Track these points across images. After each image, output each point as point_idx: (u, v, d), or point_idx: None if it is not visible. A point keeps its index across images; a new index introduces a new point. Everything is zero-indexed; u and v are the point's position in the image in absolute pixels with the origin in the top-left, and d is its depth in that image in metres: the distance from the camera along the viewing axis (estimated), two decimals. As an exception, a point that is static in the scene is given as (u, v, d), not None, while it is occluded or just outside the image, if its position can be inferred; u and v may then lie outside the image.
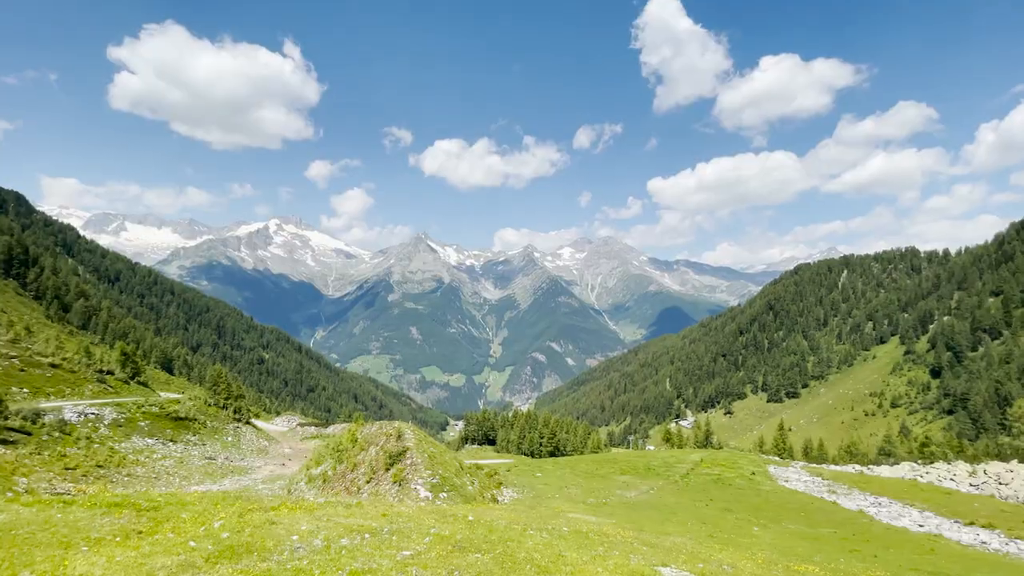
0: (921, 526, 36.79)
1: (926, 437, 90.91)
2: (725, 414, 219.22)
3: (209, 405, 59.18)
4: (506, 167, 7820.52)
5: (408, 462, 32.32)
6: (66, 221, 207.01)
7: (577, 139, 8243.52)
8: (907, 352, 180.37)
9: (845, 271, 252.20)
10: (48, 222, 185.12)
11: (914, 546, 31.25)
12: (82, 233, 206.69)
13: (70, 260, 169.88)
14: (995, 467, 53.26)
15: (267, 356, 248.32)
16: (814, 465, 66.98)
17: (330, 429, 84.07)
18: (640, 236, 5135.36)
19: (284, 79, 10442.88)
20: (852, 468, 64.39)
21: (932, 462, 64.69)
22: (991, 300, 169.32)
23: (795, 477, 53.89)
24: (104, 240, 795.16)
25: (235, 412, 61.42)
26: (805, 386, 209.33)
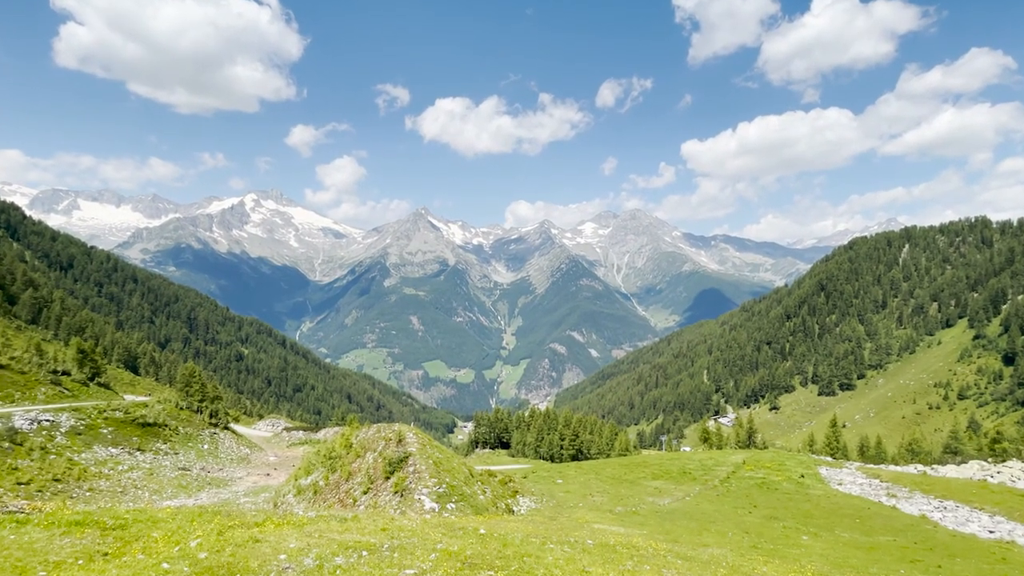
0: (991, 532, 36.85)
1: (997, 432, 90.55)
2: (770, 410, 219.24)
3: (181, 409, 59.81)
4: (518, 130, 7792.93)
5: (410, 469, 32.53)
6: (9, 199, 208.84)
7: (601, 96, 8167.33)
8: (976, 336, 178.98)
9: (907, 245, 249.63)
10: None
11: (983, 555, 31.25)
12: (28, 213, 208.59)
13: (15, 244, 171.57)
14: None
15: (247, 352, 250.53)
16: (871, 466, 66.91)
17: (321, 434, 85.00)
18: (673, 208, 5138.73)
19: (260, 30, 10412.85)
20: (914, 468, 64.27)
21: (1004, 460, 64.46)
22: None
23: (849, 479, 53.90)
24: (54, 221, 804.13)
25: (211, 416, 62.09)
26: (861, 377, 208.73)
